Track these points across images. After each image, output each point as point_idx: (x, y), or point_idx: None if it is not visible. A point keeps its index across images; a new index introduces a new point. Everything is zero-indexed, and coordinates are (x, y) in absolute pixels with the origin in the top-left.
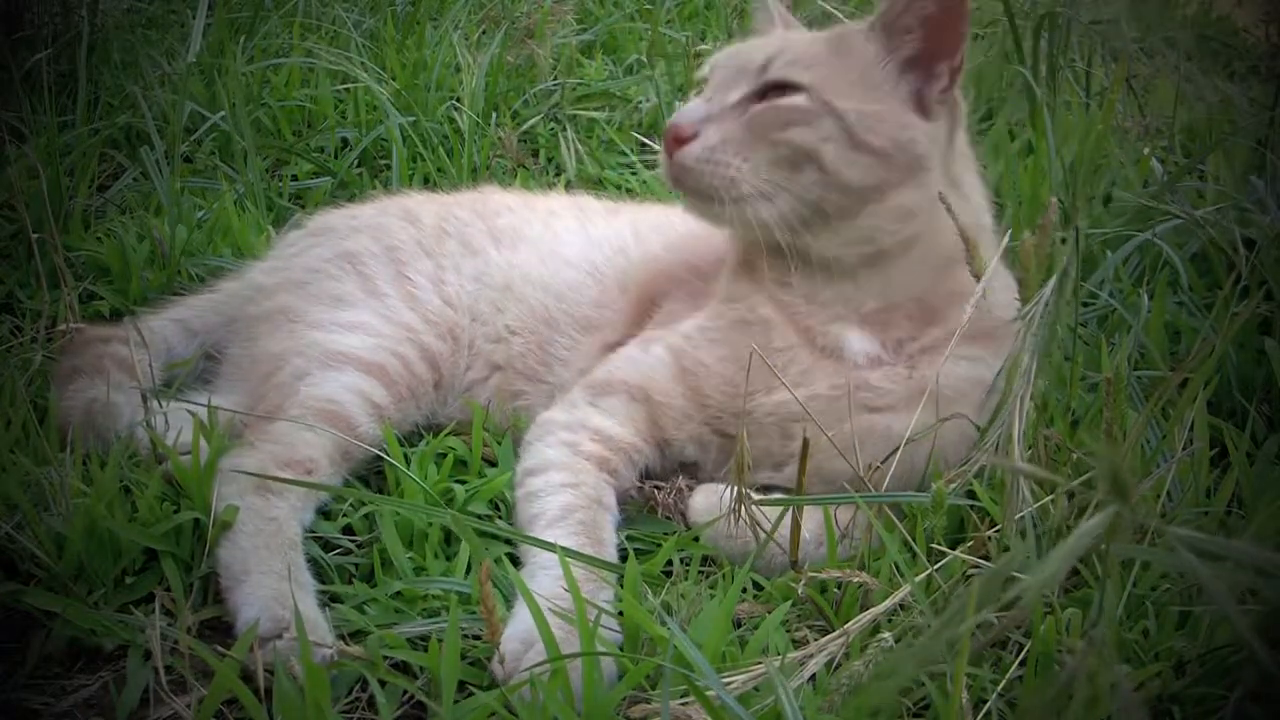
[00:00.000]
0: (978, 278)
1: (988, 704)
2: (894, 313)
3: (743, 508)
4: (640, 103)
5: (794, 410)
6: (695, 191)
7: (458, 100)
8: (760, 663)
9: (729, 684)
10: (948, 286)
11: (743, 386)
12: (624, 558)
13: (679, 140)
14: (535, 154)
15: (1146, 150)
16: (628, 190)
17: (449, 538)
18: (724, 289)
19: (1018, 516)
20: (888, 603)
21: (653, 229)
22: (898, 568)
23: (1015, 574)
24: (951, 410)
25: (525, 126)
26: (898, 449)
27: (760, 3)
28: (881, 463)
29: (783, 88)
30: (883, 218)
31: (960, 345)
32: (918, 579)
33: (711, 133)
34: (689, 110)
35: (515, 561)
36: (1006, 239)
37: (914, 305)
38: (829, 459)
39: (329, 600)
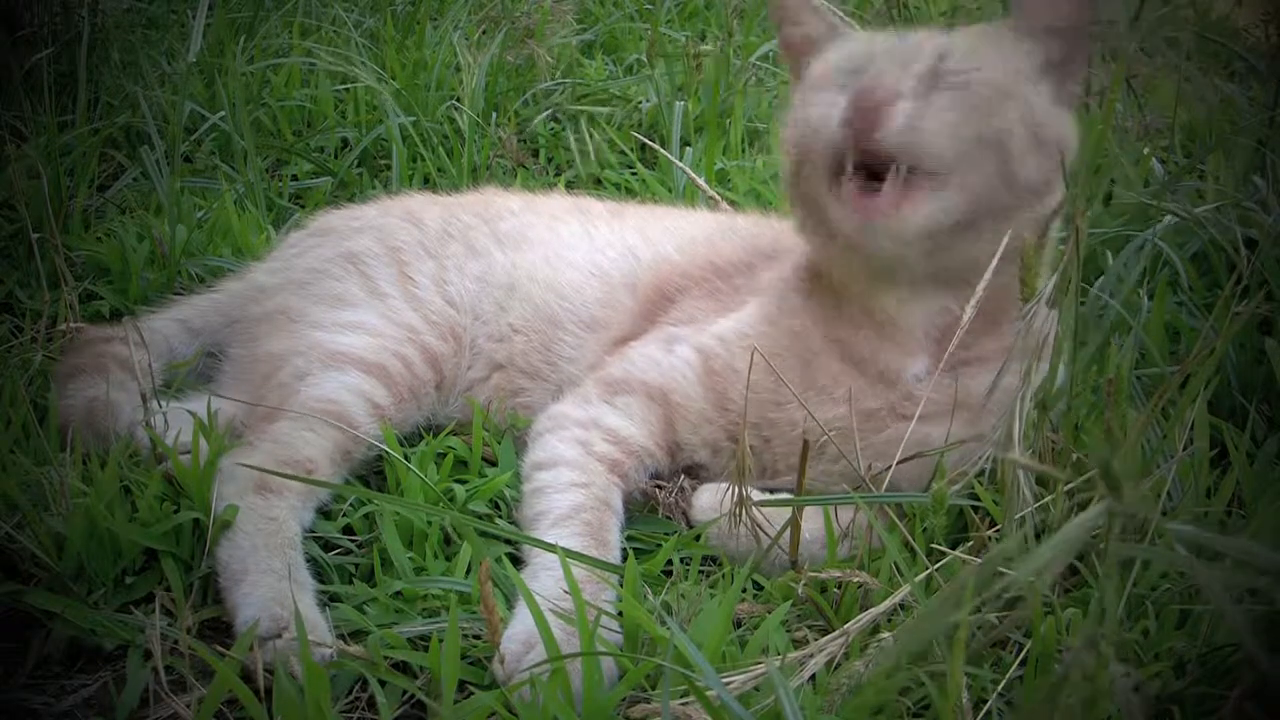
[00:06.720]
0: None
1: (988, 704)
2: (955, 326)
3: (744, 509)
4: (640, 103)
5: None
6: (915, 157)
7: (458, 100)
8: (760, 663)
9: (729, 684)
10: (1011, 296)
11: (774, 395)
12: (624, 558)
13: (876, 106)
14: (535, 154)
15: (1146, 150)
16: (628, 190)
17: (449, 538)
18: (779, 289)
19: (1018, 516)
20: (888, 603)
21: (664, 232)
22: (898, 568)
23: (1008, 565)
24: (989, 421)
25: (529, 128)
26: (905, 457)
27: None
28: (889, 466)
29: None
30: (1023, 225)
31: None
32: (918, 579)
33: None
34: (878, 75)
35: (516, 561)
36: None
37: (979, 318)
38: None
39: (329, 600)
